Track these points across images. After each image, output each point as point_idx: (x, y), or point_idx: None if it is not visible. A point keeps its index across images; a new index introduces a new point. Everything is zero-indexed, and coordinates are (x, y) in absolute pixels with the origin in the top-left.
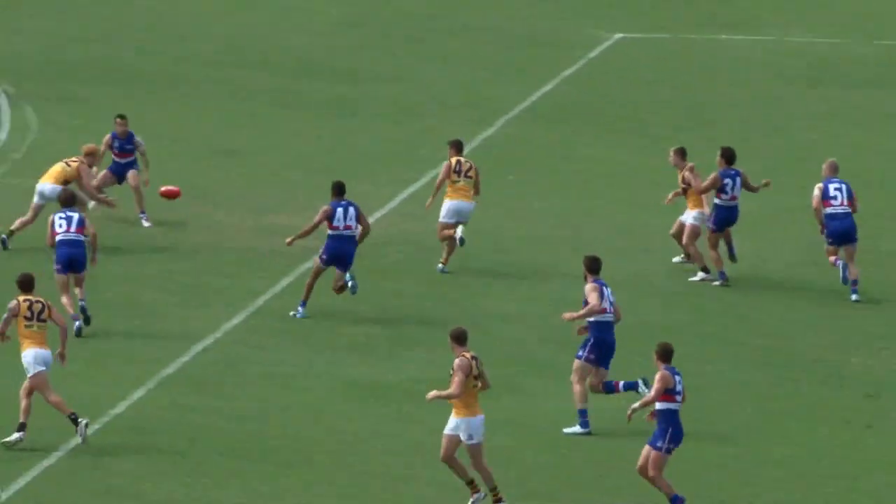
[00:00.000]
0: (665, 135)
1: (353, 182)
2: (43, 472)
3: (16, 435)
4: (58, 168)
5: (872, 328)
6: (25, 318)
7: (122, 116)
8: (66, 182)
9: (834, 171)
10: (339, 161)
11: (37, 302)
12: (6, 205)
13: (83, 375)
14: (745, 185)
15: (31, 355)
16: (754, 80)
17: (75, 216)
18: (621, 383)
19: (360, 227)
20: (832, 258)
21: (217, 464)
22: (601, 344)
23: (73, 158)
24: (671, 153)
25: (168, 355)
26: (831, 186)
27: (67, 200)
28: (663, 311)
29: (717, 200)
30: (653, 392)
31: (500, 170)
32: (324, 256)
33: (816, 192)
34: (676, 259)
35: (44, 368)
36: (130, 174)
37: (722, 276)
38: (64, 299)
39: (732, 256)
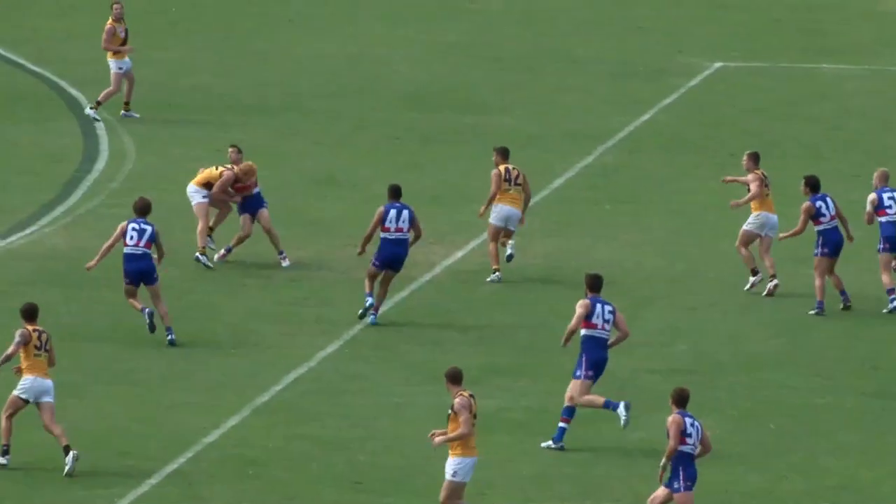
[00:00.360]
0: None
1: (453, 211)
2: (135, 500)
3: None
4: (208, 170)
5: None
6: (35, 346)
7: (234, 146)
8: (207, 185)
9: (885, 180)
10: (442, 189)
11: (43, 332)
12: (102, 233)
13: (177, 403)
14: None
15: (35, 383)
16: (859, 107)
17: (148, 230)
18: (604, 400)
19: (412, 232)
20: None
21: (314, 493)
22: (596, 360)
23: (226, 165)
24: (745, 157)
25: (263, 383)
26: (885, 196)
27: (143, 209)
28: (768, 339)
29: (818, 227)
30: (671, 441)
31: (596, 199)
32: (376, 262)
33: (870, 203)
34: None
35: (51, 399)
36: (262, 215)
37: (820, 305)
38: (133, 301)
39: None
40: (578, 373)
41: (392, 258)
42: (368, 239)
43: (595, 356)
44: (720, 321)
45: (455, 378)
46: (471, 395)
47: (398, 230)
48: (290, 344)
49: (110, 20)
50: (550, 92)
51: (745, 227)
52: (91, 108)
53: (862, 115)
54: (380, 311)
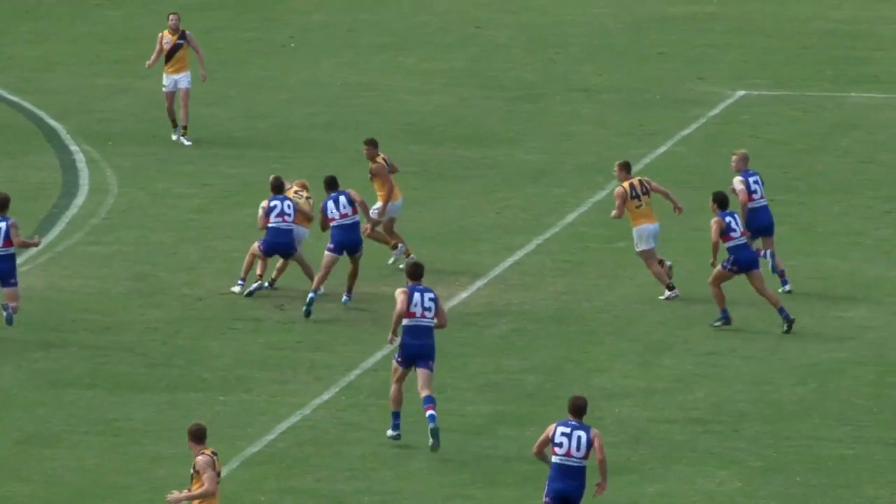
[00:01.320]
0: (794, 201)
1: (457, 250)
2: None
3: None
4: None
5: None
6: None
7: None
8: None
9: (746, 161)
10: (445, 227)
11: None
12: (80, 273)
13: (162, 454)
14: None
15: None
16: (891, 139)
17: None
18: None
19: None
20: (760, 250)
21: None
22: (406, 346)
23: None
24: (615, 167)
25: (254, 432)
26: (750, 180)
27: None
28: (794, 386)
29: (727, 244)
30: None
31: (610, 237)
32: (331, 246)
33: (740, 185)
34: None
35: None
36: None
37: (724, 313)
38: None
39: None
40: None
41: (348, 243)
42: (325, 229)
43: (407, 343)
44: (741, 366)
45: (197, 436)
46: (213, 453)
47: (343, 216)
48: (283, 391)
49: (165, 31)
50: (562, 123)
51: (637, 249)
52: (180, 135)
53: (894, 147)
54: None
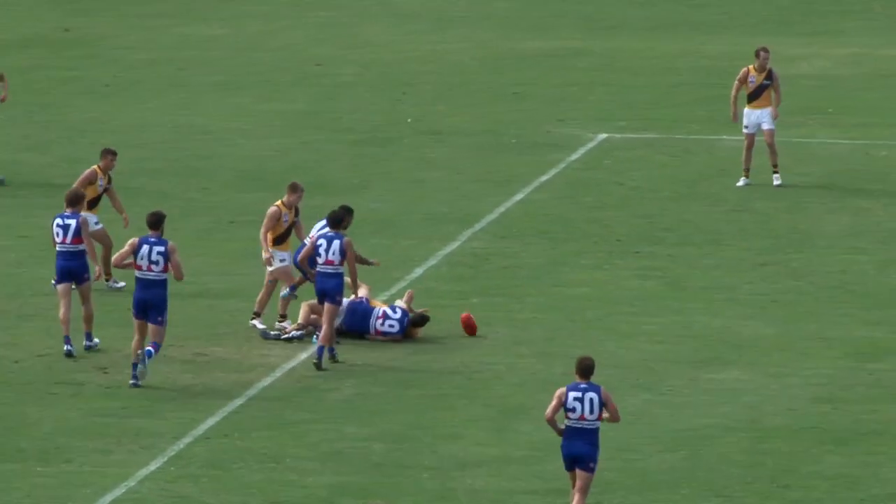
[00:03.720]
0: (664, 252)
1: (295, 306)
2: None
3: None
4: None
5: None
6: None
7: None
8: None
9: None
10: None
11: None
12: None
13: None
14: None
15: None
16: (765, 186)
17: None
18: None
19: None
20: None
21: None
22: (135, 299)
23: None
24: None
25: None
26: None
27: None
28: (662, 454)
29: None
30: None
31: (462, 291)
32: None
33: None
34: None
35: None
36: None
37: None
38: None
39: None
40: None
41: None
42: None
43: (136, 296)
44: (605, 432)
45: None
46: None
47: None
48: (107, 461)
49: None
50: (411, 168)
51: None
52: None
53: (769, 195)
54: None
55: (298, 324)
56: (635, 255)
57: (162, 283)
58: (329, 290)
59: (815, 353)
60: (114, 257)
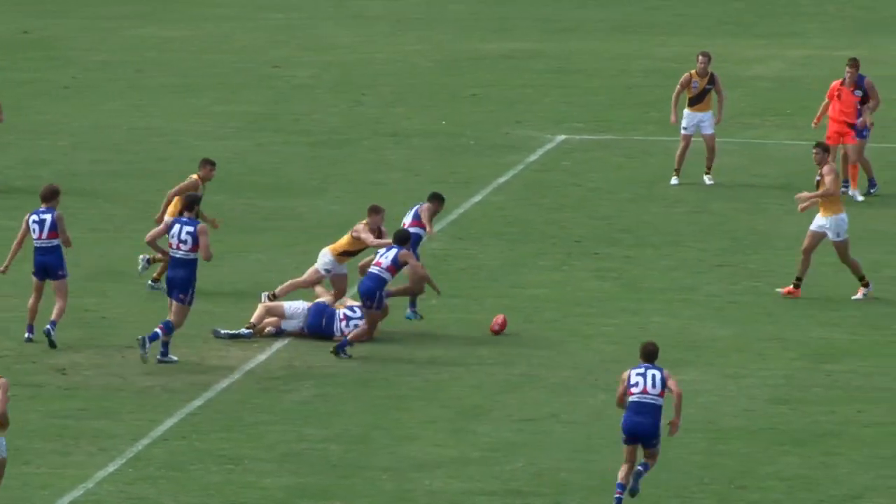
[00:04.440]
0: (624, 254)
1: (254, 308)
2: None
3: None
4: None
5: None
6: None
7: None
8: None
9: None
10: (242, 283)
11: None
12: None
13: None
14: None
15: None
16: (724, 186)
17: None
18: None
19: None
20: None
21: None
22: (166, 277)
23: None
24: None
25: None
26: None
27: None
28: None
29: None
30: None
31: (431, 293)
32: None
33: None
34: None
35: None
36: None
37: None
38: None
39: None
40: None
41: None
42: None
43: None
44: (564, 433)
45: None
46: None
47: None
48: (65, 463)
49: None
50: (369, 170)
51: None
52: None
53: (727, 196)
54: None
55: (250, 322)
56: (593, 256)
57: (187, 263)
58: (363, 292)
59: (773, 354)
60: (147, 235)
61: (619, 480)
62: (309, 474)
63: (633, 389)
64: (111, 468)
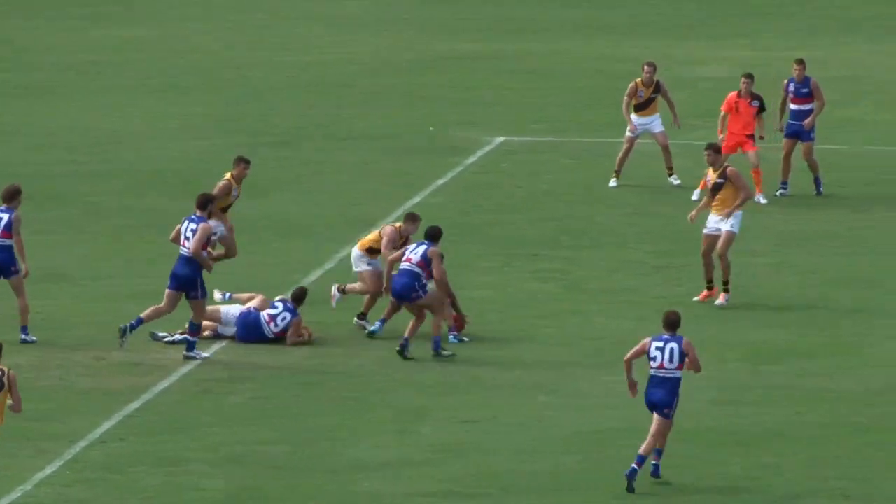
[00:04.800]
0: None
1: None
2: None
3: None
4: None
5: None
6: None
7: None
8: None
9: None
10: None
11: None
12: None
13: None
14: None
15: None
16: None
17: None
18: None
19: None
20: None
21: None
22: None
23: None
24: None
25: None
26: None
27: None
28: (561, 456)
29: None
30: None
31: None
32: None
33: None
34: None
35: None
36: None
37: None
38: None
39: None
40: None
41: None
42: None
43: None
44: (505, 435)
45: None
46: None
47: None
48: (2, 465)
49: None
50: (314, 172)
51: None
52: None
53: (669, 199)
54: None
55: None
56: (535, 257)
57: (191, 260)
58: (399, 289)
59: (714, 355)
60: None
61: (639, 452)
62: (249, 477)
63: (652, 363)
64: (49, 470)
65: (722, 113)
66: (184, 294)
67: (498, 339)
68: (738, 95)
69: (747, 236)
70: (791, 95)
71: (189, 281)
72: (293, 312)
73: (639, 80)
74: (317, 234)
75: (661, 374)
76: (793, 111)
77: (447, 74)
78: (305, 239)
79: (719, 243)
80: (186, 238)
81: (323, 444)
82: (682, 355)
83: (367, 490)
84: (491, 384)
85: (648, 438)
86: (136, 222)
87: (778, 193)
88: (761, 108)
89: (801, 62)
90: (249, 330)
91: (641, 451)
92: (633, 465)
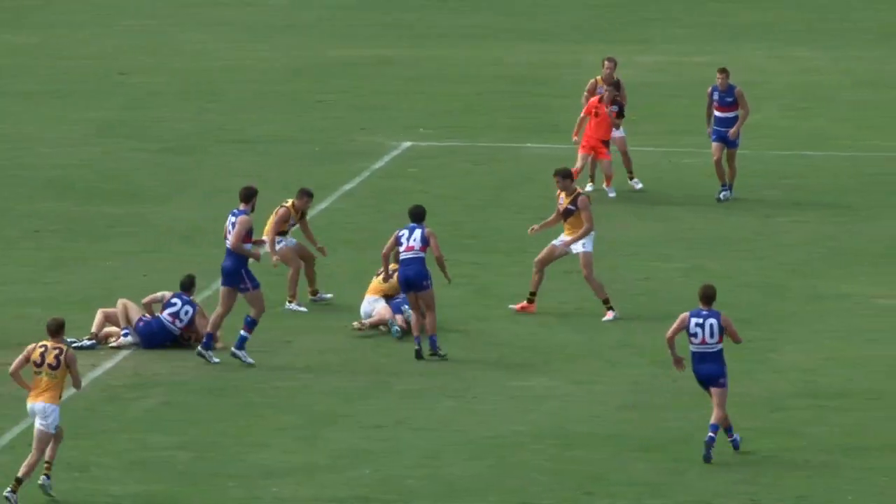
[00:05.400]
0: (456, 258)
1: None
2: None
3: None
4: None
5: None
6: (35, 363)
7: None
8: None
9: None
10: (91, 290)
11: (52, 349)
12: None
13: None
14: None
15: (30, 406)
16: None
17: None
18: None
19: None
20: None
21: None
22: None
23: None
24: None
25: None
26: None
27: None
28: (468, 461)
29: None
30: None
31: (279, 300)
32: None
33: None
34: None
35: (43, 425)
36: None
37: None
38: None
39: None
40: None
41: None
42: None
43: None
44: (411, 440)
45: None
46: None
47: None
48: None
49: None
50: (216, 177)
51: None
52: None
53: None
54: None
55: (91, 333)
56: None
57: (231, 252)
58: (412, 277)
59: (621, 360)
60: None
61: (711, 421)
62: (156, 482)
63: (693, 339)
64: None
65: (582, 115)
66: (236, 289)
67: (404, 344)
68: (600, 100)
69: (659, 241)
70: (716, 103)
71: (234, 274)
72: (192, 305)
73: (598, 77)
74: (221, 240)
75: (704, 350)
76: (718, 118)
77: (343, 80)
78: (213, 245)
79: (581, 267)
80: (229, 232)
81: (230, 450)
82: (722, 329)
83: (275, 495)
84: (396, 389)
85: (714, 409)
86: (35, 227)
87: (721, 196)
88: (620, 114)
89: (724, 71)
90: (154, 336)
91: (713, 420)
92: (710, 433)
